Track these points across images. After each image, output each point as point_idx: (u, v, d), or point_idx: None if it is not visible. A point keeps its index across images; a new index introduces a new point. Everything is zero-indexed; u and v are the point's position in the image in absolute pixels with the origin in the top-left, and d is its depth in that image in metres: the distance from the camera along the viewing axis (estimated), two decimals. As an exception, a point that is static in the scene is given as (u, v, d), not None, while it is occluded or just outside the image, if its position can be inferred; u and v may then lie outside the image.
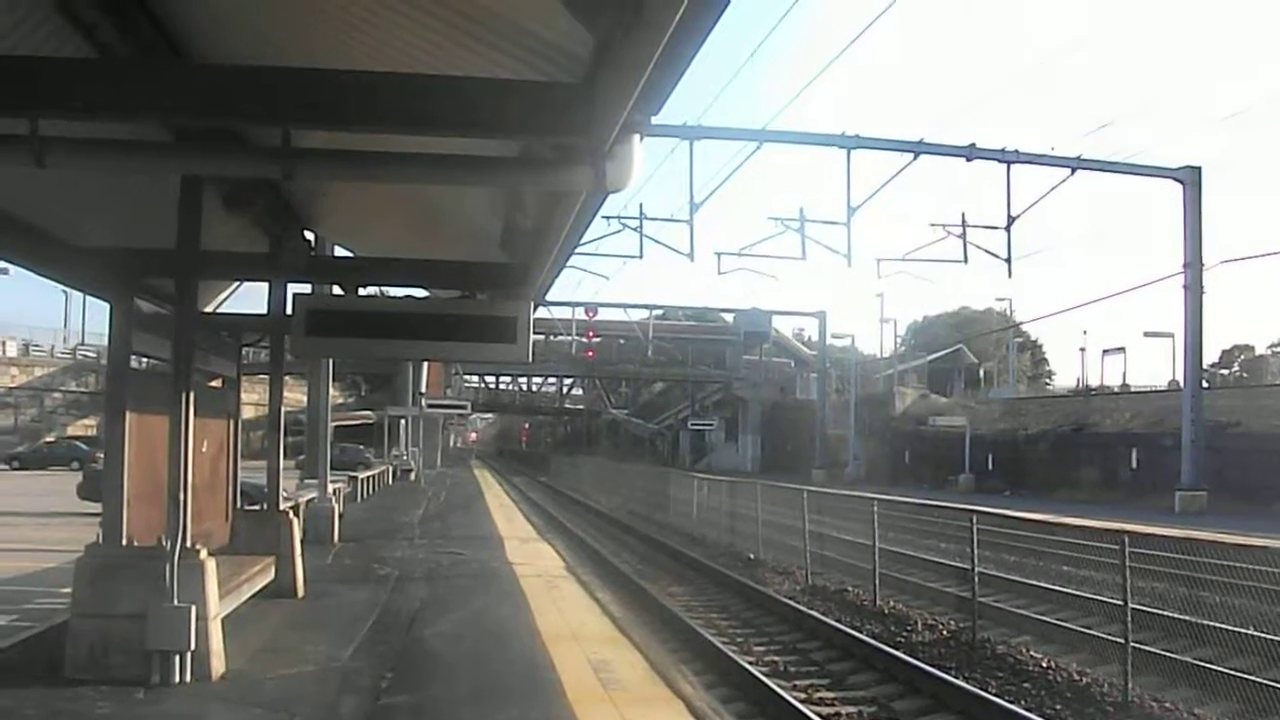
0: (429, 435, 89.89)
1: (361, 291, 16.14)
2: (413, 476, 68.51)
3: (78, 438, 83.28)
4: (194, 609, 11.79)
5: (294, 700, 11.38)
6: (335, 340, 14.03)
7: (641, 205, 53.69)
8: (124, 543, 12.49)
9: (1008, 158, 49.95)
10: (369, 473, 55.11)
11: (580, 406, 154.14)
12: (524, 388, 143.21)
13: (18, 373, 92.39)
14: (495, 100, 7.94)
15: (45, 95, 7.80)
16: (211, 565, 12.39)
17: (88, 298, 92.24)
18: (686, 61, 6.82)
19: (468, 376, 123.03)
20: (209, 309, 17.91)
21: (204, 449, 15.52)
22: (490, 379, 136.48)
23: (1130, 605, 16.32)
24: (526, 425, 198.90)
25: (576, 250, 14.89)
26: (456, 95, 7.97)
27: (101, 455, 56.76)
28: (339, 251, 20.54)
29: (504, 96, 7.97)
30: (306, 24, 9.74)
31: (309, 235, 17.81)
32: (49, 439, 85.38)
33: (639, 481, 57.49)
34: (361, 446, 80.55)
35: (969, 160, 50.08)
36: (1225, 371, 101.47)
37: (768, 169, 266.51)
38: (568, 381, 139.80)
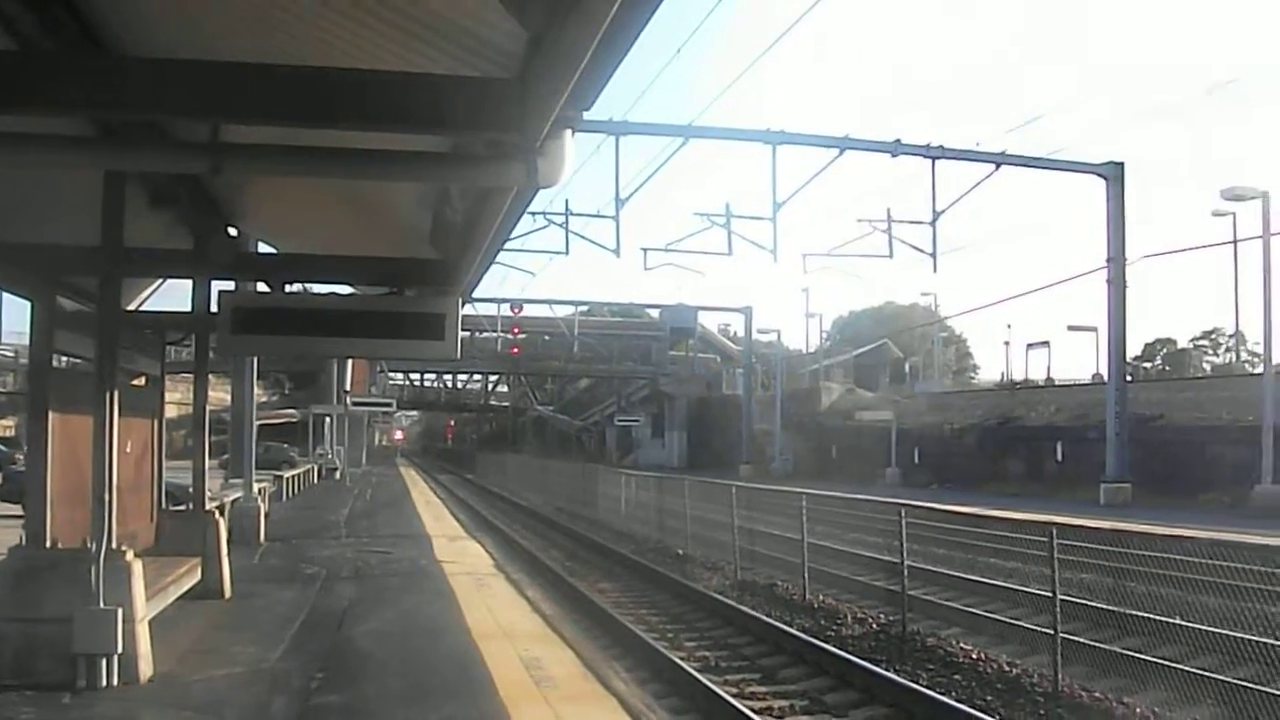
0: (354, 433, 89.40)
1: (287, 289, 16.02)
2: (338, 475, 68.16)
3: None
4: (121, 611, 11.63)
5: (224, 702, 11.29)
6: (262, 338, 13.85)
7: (567, 201, 53.57)
8: (48, 545, 12.32)
9: (932, 153, 50.15)
10: (294, 472, 54.78)
11: (506, 404, 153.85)
12: (449, 385, 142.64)
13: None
14: (429, 96, 7.87)
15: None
16: (138, 567, 12.23)
17: (5, 297, 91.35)
18: (621, 54, 6.78)
19: (393, 374, 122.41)
20: (132, 307, 17.72)
21: (128, 449, 15.35)
22: (415, 376, 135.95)
23: (1059, 596, 16.43)
24: (452, 423, 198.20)
25: (504, 247, 14.79)
26: (390, 91, 7.90)
27: (21, 456, 56.11)
28: (263, 248, 20.36)
29: (438, 92, 7.90)
30: (236, 18, 9.62)
31: (233, 232, 17.64)
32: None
33: (566, 478, 57.46)
34: (286, 445, 79.90)
35: (894, 156, 50.25)
36: (1148, 365, 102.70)
37: (694, 166, 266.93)
38: (493, 378, 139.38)
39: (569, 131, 8.63)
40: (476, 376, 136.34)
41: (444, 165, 9.87)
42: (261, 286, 16.10)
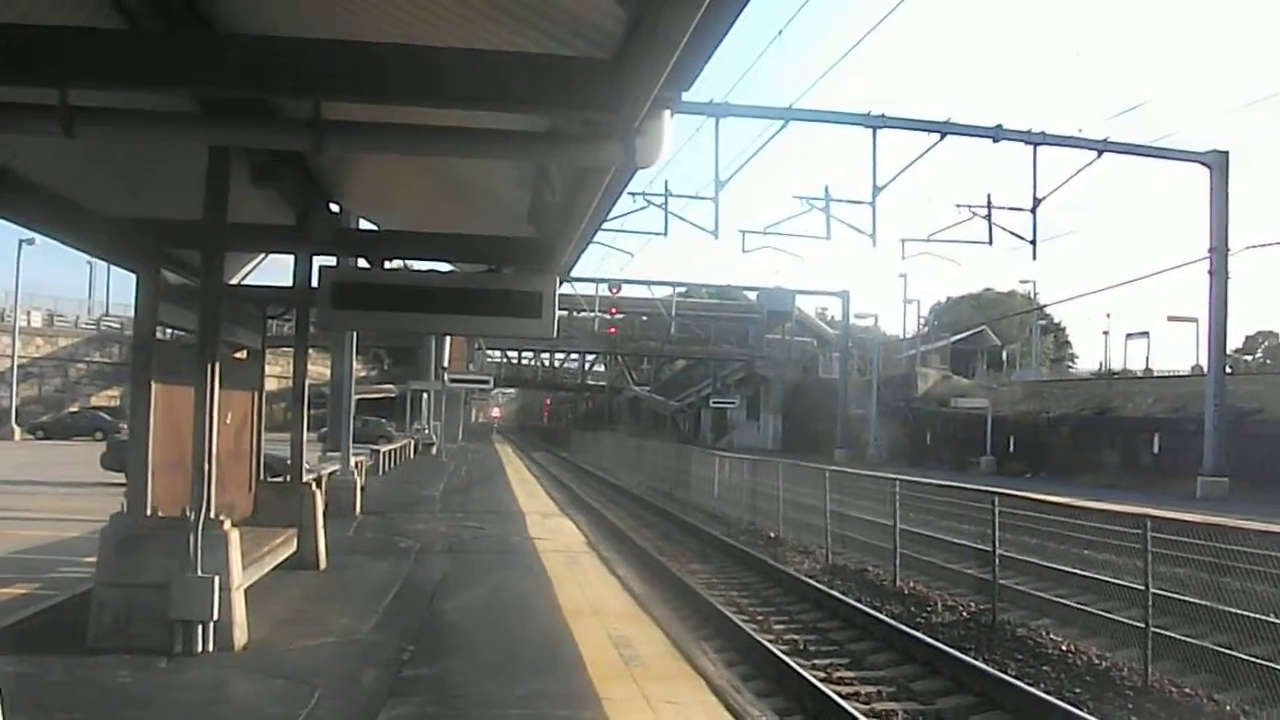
0: (451, 410, 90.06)
1: (385, 265, 16.17)
2: (434, 450, 68.68)
3: (101, 408, 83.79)
4: (217, 579, 11.85)
5: (316, 671, 11.42)
6: (361, 313, 14.03)
7: (666, 183, 53.58)
8: (149, 512, 12.54)
9: (1034, 139, 49.62)
10: (390, 446, 55.23)
11: (602, 383, 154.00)
12: (546, 363, 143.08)
13: (42, 343, 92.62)
14: (527, 75, 7.93)
15: (75, 65, 7.82)
16: (235, 536, 12.45)
17: (113, 269, 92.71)
18: (720, 36, 6.78)
19: (490, 351, 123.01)
20: (234, 281, 17.95)
21: (228, 420, 15.57)
22: (513, 354, 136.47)
23: (1151, 590, 16.27)
24: (548, 401, 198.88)
25: (602, 227, 14.83)
26: (489, 70, 7.97)
27: (125, 426, 57.06)
28: (363, 224, 20.54)
29: (536, 71, 7.96)
30: (336, -3, 9.74)
31: (333, 208, 17.81)
32: (73, 409, 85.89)
33: (660, 458, 57.52)
34: (383, 420, 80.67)
35: (995, 141, 49.75)
36: (1249, 357, 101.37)
37: (793, 149, 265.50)
38: (590, 357, 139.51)
39: (667, 112, 8.64)
40: (574, 355, 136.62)
41: (542, 144, 9.94)
42: (361, 262, 16.28)
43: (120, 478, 31.68)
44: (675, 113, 8.82)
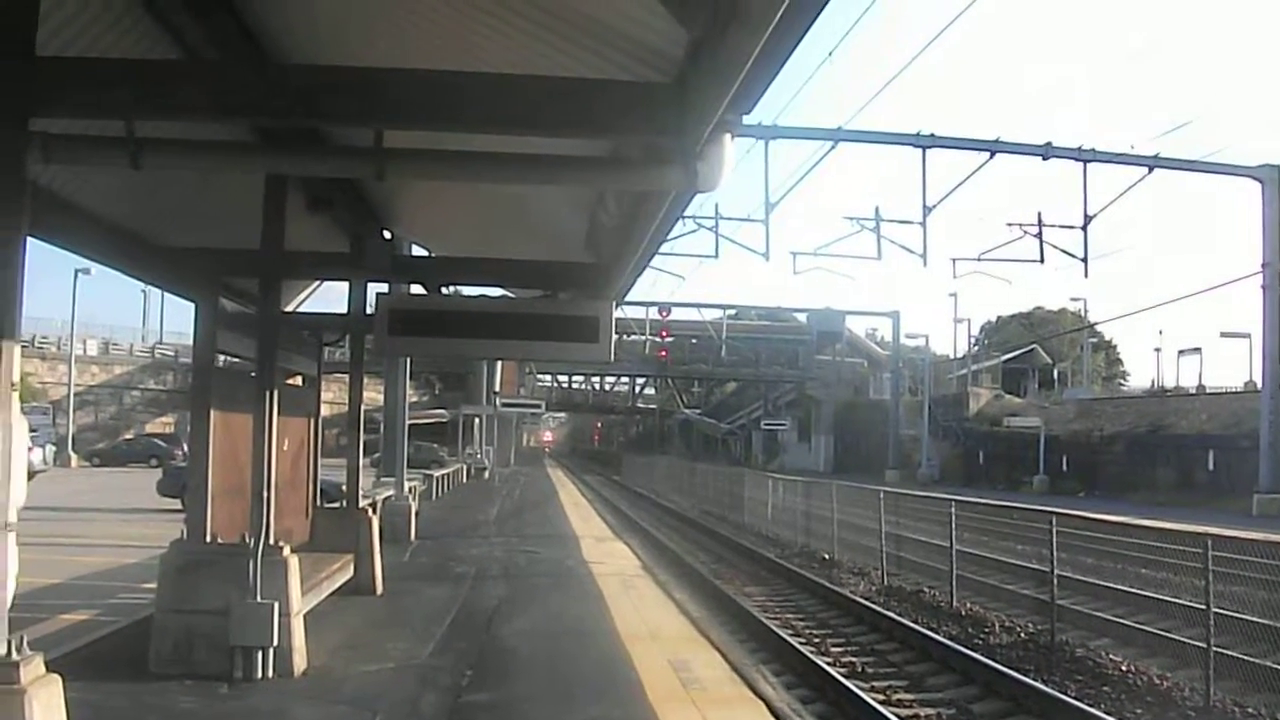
0: (502, 434, 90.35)
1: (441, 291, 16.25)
2: (486, 475, 68.79)
3: (156, 435, 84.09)
4: (277, 605, 11.90)
5: (376, 697, 11.45)
6: (418, 339, 14.13)
7: (717, 206, 53.63)
8: (208, 539, 12.61)
9: (1084, 156, 49.31)
10: (443, 471, 55.31)
11: (653, 406, 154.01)
12: (597, 387, 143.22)
13: (98, 370, 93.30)
14: (587, 100, 7.97)
15: (141, 97, 7.90)
16: (294, 562, 12.51)
17: (166, 297, 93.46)
18: (783, 60, 6.79)
19: (541, 376, 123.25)
20: (290, 308, 18.06)
21: (285, 447, 15.64)
22: (563, 378, 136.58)
23: (1212, 609, 16.13)
24: (599, 424, 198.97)
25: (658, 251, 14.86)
26: (549, 95, 8.01)
27: (180, 453, 57.23)
28: (416, 250, 20.62)
29: (596, 96, 8.00)
30: (393, 24, 9.78)
31: (386, 235, 17.91)
32: (128, 436, 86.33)
33: (713, 481, 57.41)
34: (435, 445, 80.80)
35: (1045, 159, 49.44)
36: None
37: (844, 170, 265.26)
38: (640, 381, 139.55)
39: (728, 136, 8.64)
40: (624, 379, 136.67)
41: (603, 169, 9.97)
42: (415, 289, 16.35)
43: (176, 504, 31.99)
44: (735, 136, 8.83)
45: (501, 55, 8.87)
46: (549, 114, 7.97)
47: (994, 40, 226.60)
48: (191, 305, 13.80)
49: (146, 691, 11.20)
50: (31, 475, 8.39)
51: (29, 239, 7.88)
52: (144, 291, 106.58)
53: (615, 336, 14.08)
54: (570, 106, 7.96)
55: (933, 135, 48.89)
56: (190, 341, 14.88)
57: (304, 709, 11.14)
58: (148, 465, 65.01)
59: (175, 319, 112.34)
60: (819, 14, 6.26)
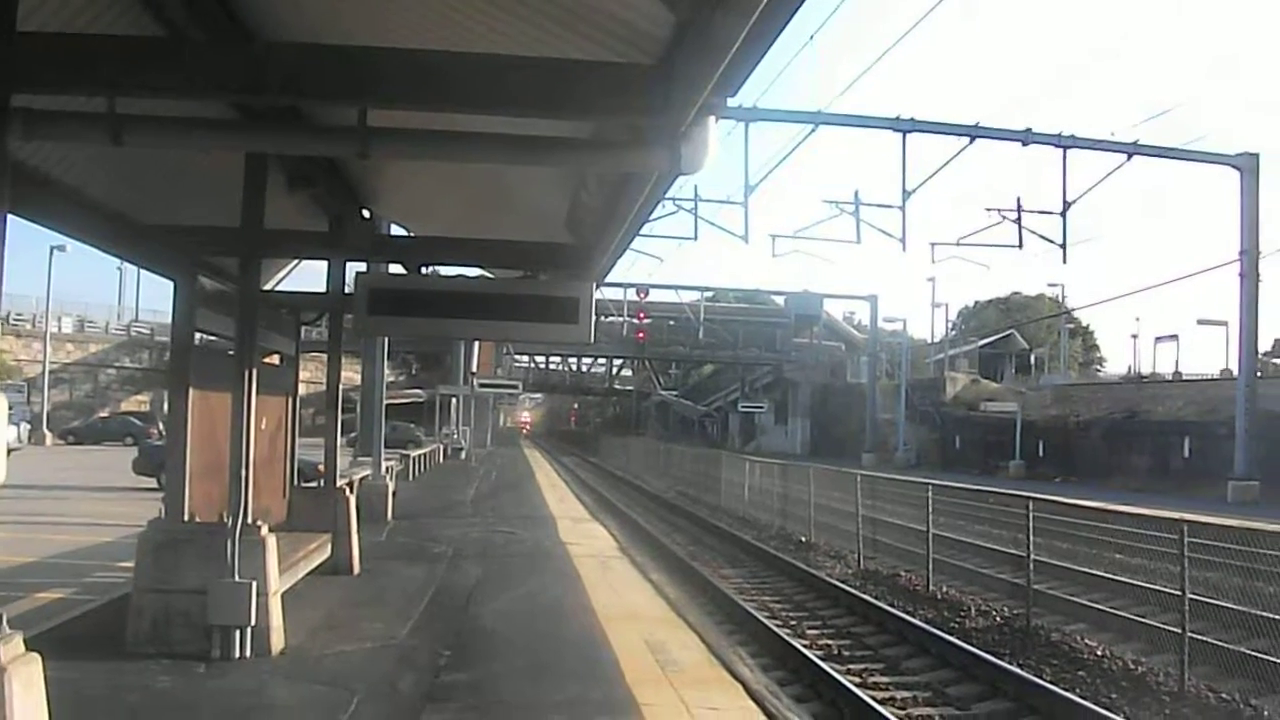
0: (479, 414, 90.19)
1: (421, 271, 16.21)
2: (463, 455, 68.76)
3: (131, 413, 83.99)
4: (255, 585, 11.90)
5: (354, 677, 11.43)
6: (398, 319, 14.11)
7: (696, 188, 53.71)
8: (186, 518, 12.60)
9: (1064, 142, 49.53)
10: (420, 451, 55.30)
11: (629, 388, 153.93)
12: (574, 368, 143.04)
13: (73, 348, 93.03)
14: (572, 81, 7.96)
15: (123, 74, 7.86)
16: (272, 541, 12.49)
17: (143, 275, 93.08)
18: (770, 42, 6.78)
19: (518, 356, 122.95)
20: (267, 286, 18.01)
21: (263, 426, 15.59)
22: (540, 359, 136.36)
23: (1188, 595, 16.19)
24: (576, 406, 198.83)
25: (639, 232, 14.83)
26: (534, 76, 8.00)
27: (155, 431, 57.11)
28: (394, 230, 20.56)
29: (581, 77, 7.99)
30: (377, 3, 9.76)
31: (365, 214, 17.86)
32: (103, 414, 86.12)
33: (689, 463, 57.52)
34: (412, 425, 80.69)
35: (1025, 145, 49.62)
36: (1278, 361, 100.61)
37: (823, 154, 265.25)
38: (618, 362, 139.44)
39: (712, 118, 8.66)
40: (601, 360, 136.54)
41: (587, 150, 9.95)
42: (395, 268, 16.32)
43: (151, 482, 31.92)
44: (720, 118, 8.83)
45: (487, 35, 8.84)
46: (534, 95, 7.96)
47: (977, 26, 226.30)
48: (170, 283, 13.75)
49: (124, 670, 11.18)
50: (9, 453, 8.34)
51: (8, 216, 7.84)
52: (120, 269, 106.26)
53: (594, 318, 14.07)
54: (555, 87, 7.96)
55: (913, 120, 49.02)
56: (167, 320, 14.85)
57: (282, 688, 11.12)
58: (123, 443, 64.80)
59: (150, 297, 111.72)
60: (804, -1, 6.25)
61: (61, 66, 7.82)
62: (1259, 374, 56.66)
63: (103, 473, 40.52)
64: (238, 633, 11.86)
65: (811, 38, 43.38)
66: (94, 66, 7.82)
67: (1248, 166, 50.42)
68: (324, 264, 18.41)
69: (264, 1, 10.28)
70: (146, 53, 8.21)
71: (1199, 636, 16.78)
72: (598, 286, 15.69)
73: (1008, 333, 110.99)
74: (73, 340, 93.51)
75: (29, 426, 68.17)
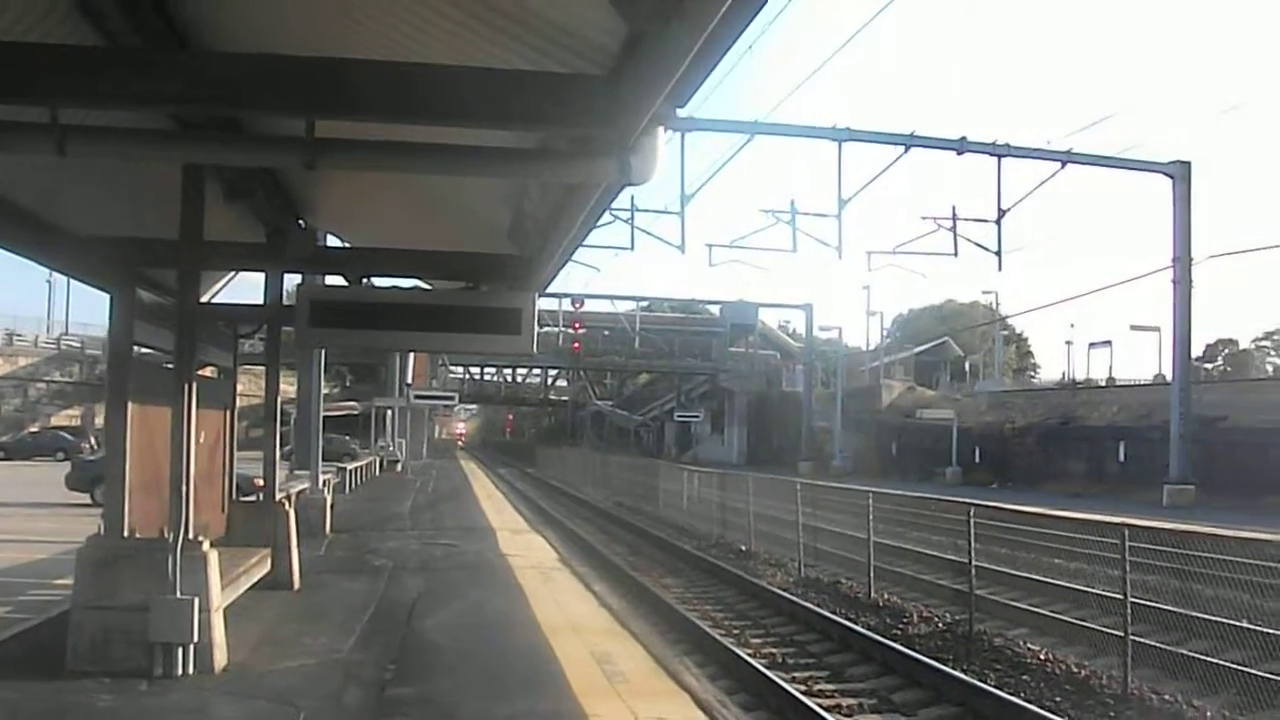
0: (415, 426, 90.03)
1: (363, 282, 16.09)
2: (399, 468, 68.60)
3: (62, 428, 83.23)
4: (197, 601, 11.78)
5: (298, 693, 11.36)
6: (339, 331, 13.95)
7: (633, 197, 53.50)
8: (126, 533, 12.44)
9: (998, 151, 49.89)
10: (356, 464, 55.18)
11: (565, 398, 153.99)
12: (509, 379, 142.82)
13: (1, 362, 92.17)
14: (520, 92, 7.89)
15: (68, 84, 7.73)
16: (214, 557, 12.37)
17: (73, 287, 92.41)
18: (724, 51, 6.74)
19: (453, 368, 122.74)
20: (204, 299, 17.85)
21: (202, 440, 15.45)
22: (475, 370, 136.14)
23: (1130, 599, 16.29)
24: (511, 417, 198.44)
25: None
26: (481, 86, 7.93)
27: (87, 446, 56.65)
28: (331, 240, 20.42)
29: (529, 88, 7.92)
30: (320, 13, 9.67)
31: (302, 224, 17.73)
32: (33, 429, 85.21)
33: (627, 473, 57.57)
34: (347, 437, 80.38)
35: (960, 153, 49.99)
36: (1209, 366, 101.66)
37: (760, 164, 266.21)
38: (553, 373, 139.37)
39: (661, 128, 8.63)
40: (536, 371, 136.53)
41: (536, 160, 9.87)
42: (333, 280, 16.20)
43: (85, 498, 31.61)
44: (669, 129, 8.80)
45: (436, 46, 8.78)
46: (483, 105, 7.88)
47: (915, 37, 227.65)
48: (106, 296, 13.61)
49: (64, 690, 11.05)
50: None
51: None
52: (49, 280, 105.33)
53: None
54: (508, 99, 7.88)
55: (849, 129, 49.25)
56: (98, 333, 14.74)
57: (226, 706, 11.01)
58: (54, 459, 64.22)
59: (81, 310, 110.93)
60: (762, 7, 6.21)
61: (2, 76, 7.69)
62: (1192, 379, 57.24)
63: (34, 488, 40.09)
64: (180, 650, 11.73)
65: (750, 47, 43.38)
66: (35, 76, 7.69)
67: (1180, 174, 50.93)
68: (258, 275, 18.29)
69: (206, 12, 10.17)
70: (85, 62, 8.08)
71: (1139, 639, 16.89)
72: (539, 297, 15.66)
73: (942, 340, 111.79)
74: (1, 354, 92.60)
75: (-44, 442, 67.46)
